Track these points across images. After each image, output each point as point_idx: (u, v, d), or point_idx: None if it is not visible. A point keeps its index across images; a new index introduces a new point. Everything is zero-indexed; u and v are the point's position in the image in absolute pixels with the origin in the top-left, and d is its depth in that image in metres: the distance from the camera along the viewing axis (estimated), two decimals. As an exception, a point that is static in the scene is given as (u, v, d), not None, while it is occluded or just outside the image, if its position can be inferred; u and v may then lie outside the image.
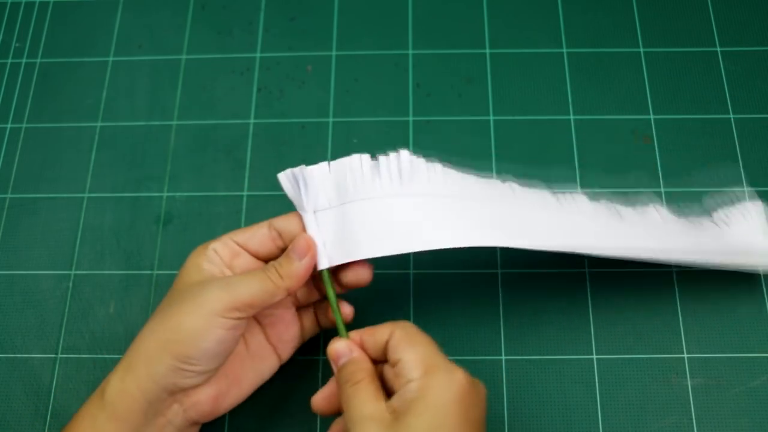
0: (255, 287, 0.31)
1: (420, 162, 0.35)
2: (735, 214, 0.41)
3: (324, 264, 0.34)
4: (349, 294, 0.36)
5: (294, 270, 0.32)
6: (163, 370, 0.30)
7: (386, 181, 0.34)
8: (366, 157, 0.35)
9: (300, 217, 0.35)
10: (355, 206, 0.34)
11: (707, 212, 0.41)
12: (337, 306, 0.34)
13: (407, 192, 0.34)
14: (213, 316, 0.30)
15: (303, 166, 0.35)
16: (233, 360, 0.33)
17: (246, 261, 0.34)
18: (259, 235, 0.34)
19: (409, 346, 0.31)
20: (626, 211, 0.39)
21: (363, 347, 0.33)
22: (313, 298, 0.37)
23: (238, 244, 0.34)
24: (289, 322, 0.36)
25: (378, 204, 0.34)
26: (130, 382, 0.31)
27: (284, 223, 0.35)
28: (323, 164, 0.35)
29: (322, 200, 0.34)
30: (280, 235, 0.35)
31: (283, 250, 0.34)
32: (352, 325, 0.34)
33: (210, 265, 0.33)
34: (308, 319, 0.36)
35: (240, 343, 0.34)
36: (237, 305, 0.31)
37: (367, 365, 0.32)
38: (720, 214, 0.41)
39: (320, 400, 0.33)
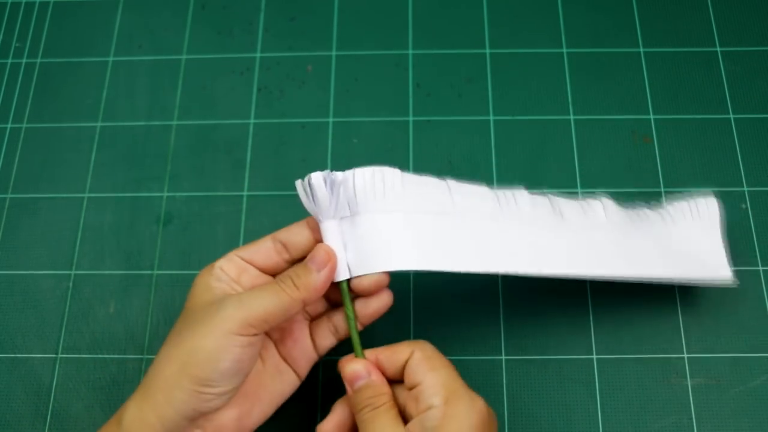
0: (269, 301, 0.30)
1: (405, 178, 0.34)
2: (683, 210, 0.39)
3: (343, 275, 0.33)
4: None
5: (312, 281, 0.31)
6: (182, 396, 0.29)
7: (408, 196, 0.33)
8: (397, 171, 0.34)
9: (307, 228, 0.33)
10: (386, 216, 0.33)
11: (657, 206, 0.40)
12: (355, 322, 0.33)
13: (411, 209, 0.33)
14: (228, 335, 0.29)
15: (330, 172, 0.33)
16: (252, 378, 0.33)
17: (253, 276, 0.33)
18: (264, 249, 0.33)
19: (429, 369, 0.30)
20: (569, 208, 0.37)
21: (379, 367, 0.32)
22: (320, 310, 0.36)
23: (244, 260, 0.33)
24: (298, 338, 0.35)
25: (407, 217, 0.33)
26: (147, 410, 0.30)
27: (289, 234, 0.34)
28: (361, 170, 0.33)
29: (354, 207, 0.33)
30: (285, 247, 0.34)
31: (289, 262, 0.34)
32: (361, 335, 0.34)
33: (219, 283, 0.32)
34: (322, 333, 0.35)
35: (257, 360, 0.33)
36: (251, 321, 0.30)
37: (387, 389, 0.31)
38: (668, 209, 0.39)
39: (329, 430, 0.32)
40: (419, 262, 0.32)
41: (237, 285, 0.33)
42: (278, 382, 0.34)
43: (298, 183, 0.33)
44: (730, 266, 0.38)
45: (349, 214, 0.33)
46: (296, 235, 0.34)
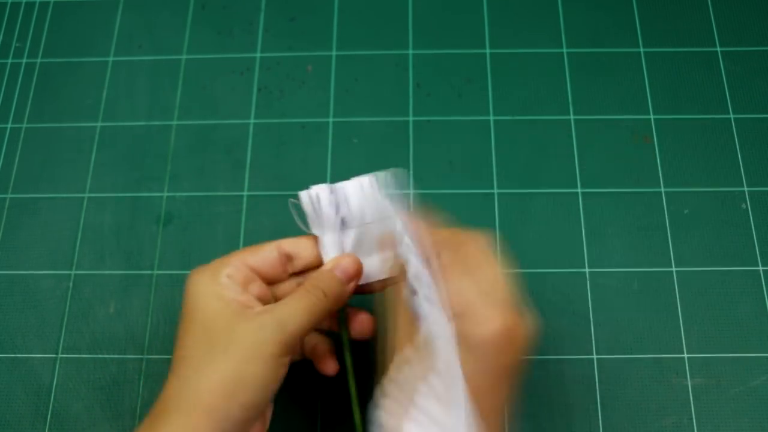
0: (306, 317, 0.30)
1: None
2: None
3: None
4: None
5: (343, 292, 0.31)
6: (234, 419, 0.28)
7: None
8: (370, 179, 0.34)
9: (315, 243, 0.33)
10: (379, 225, 0.33)
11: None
12: (350, 347, 0.33)
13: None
14: (273, 358, 0.29)
15: (329, 185, 0.33)
16: None
17: (259, 287, 0.32)
18: (270, 260, 0.33)
19: (459, 274, 0.30)
20: None
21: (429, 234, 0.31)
22: None
23: (251, 269, 0.32)
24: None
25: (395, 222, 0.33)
26: None
27: (295, 246, 0.33)
28: (355, 181, 0.33)
29: (352, 218, 0.33)
30: (290, 260, 0.33)
31: (290, 275, 0.33)
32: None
33: (231, 293, 0.31)
34: (309, 341, 0.35)
35: None
36: (291, 341, 0.30)
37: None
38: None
39: None
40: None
41: (249, 296, 0.31)
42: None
43: (304, 195, 0.33)
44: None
45: (348, 227, 0.33)
46: (305, 249, 0.33)
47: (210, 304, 0.30)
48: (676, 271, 0.41)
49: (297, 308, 0.30)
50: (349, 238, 0.33)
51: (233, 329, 0.29)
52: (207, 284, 0.31)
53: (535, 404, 0.38)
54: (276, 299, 0.33)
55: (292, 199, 0.33)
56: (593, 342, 0.39)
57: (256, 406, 0.29)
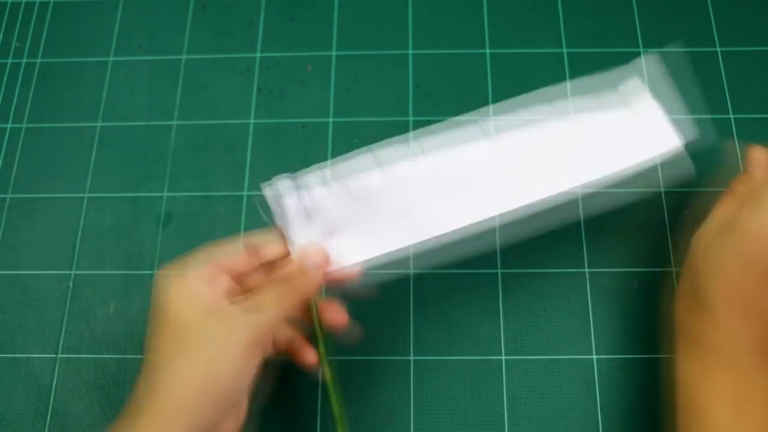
0: (276, 312, 0.31)
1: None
2: (610, 101, 0.37)
3: None
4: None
5: (311, 282, 0.32)
6: (207, 415, 0.29)
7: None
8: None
9: (282, 237, 0.33)
10: (355, 207, 0.34)
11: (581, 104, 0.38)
12: (323, 338, 0.34)
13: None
14: (245, 353, 0.30)
15: (291, 175, 0.34)
16: None
17: (226, 283, 0.32)
18: (236, 254, 0.33)
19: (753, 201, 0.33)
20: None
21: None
22: None
23: (219, 268, 0.32)
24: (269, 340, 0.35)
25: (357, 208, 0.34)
26: (161, 429, 0.29)
27: (261, 240, 0.33)
28: (314, 170, 0.34)
29: (315, 207, 0.34)
30: (257, 252, 0.33)
31: (257, 268, 0.34)
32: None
33: (201, 290, 0.31)
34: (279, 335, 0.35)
35: None
36: (263, 337, 0.31)
37: None
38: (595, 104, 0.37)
39: None
40: (384, 247, 0.33)
41: (217, 292, 0.31)
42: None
43: (266, 188, 0.33)
44: (677, 132, 0.37)
45: (313, 216, 0.34)
46: (272, 242, 0.33)
47: (178, 302, 0.31)
48: (677, 272, 0.41)
49: (266, 302, 0.31)
50: (316, 227, 0.33)
51: (203, 326, 0.30)
52: (174, 283, 0.31)
53: (535, 404, 0.38)
54: (245, 293, 0.33)
55: (256, 196, 0.33)
56: (593, 342, 0.39)
57: (227, 399, 0.30)
